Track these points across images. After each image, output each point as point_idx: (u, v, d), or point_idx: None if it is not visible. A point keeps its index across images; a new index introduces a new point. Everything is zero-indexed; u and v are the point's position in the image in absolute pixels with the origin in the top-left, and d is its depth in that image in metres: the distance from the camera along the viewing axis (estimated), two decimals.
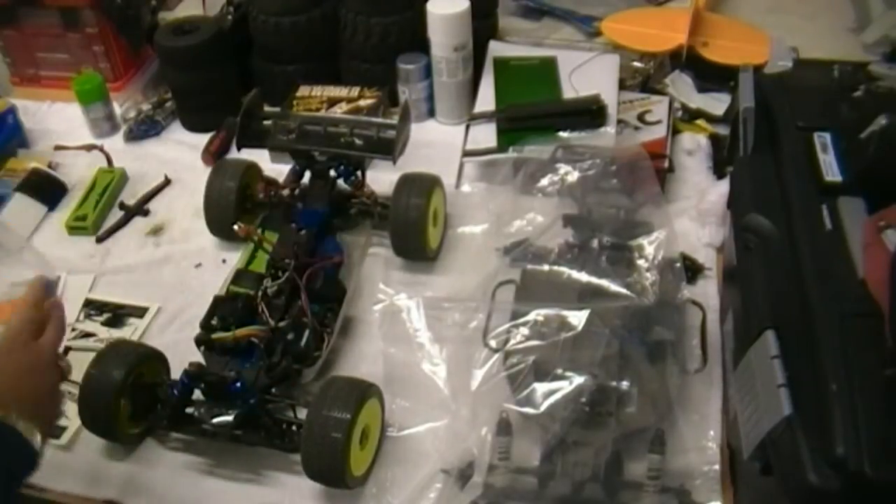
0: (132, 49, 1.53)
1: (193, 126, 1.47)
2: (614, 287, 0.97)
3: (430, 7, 1.31)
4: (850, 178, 0.89)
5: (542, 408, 0.88)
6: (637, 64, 1.44)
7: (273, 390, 0.96)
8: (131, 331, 1.13)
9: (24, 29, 1.49)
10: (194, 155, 1.40)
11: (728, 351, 0.98)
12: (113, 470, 0.97)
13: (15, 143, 1.42)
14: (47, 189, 1.35)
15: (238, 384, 0.92)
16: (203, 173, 1.24)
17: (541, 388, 0.89)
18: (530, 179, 1.18)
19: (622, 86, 1.38)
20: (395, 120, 1.16)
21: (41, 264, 1.20)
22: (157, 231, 1.29)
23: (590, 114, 1.27)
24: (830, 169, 0.90)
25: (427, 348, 1.05)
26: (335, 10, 1.40)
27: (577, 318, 0.93)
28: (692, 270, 1.11)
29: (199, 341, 0.99)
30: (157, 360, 0.99)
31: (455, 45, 1.32)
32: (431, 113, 1.44)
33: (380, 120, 1.20)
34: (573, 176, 1.15)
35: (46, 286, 0.82)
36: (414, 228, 1.13)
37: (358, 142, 1.16)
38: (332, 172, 1.17)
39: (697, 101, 1.38)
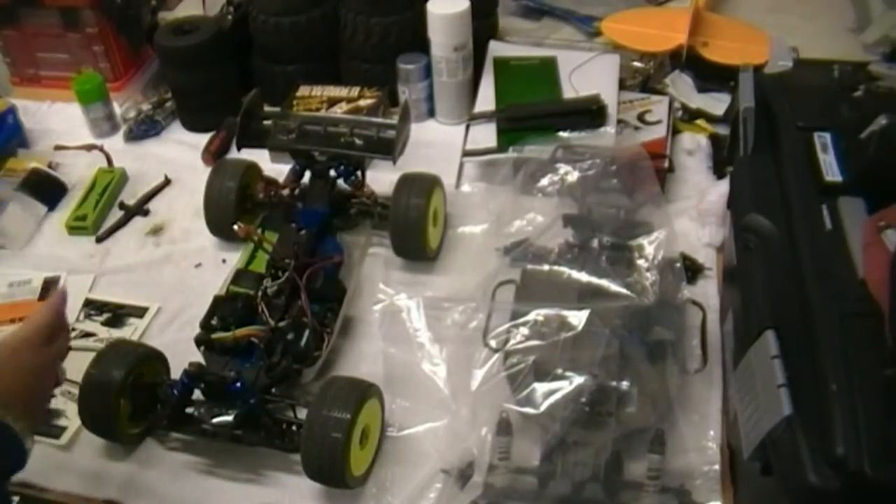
0: (132, 49, 1.53)
1: (193, 126, 1.47)
2: (614, 287, 0.97)
3: (430, 7, 1.31)
4: (850, 178, 0.89)
5: (542, 408, 0.88)
6: (637, 64, 1.44)
7: (273, 390, 0.96)
8: (131, 331, 1.13)
9: (24, 29, 1.49)
10: (194, 155, 1.40)
11: (728, 351, 0.98)
12: (113, 470, 0.97)
13: (15, 143, 1.42)
14: (47, 189, 1.35)
15: (238, 384, 0.92)
16: (203, 173, 1.24)
17: (541, 388, 0.89)
18: (530, 179, 1.18)
19: (622, 86, 1.38)
20: (395, 120, 1.16)
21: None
22: (157, 231, 1.29)
23: (590, 114, 1.27)
24: (830, 169, 0.90)
25: (427, 348, 1.05)
26: (335, 10, 1.40)
27: (577, 318, 0.93)
28: (692, 270, 1.11)
29: (199, 341, 0.99)
30: (157, 360, 0.99)
31: (455, 45, 1.32)
32: (431, 113, 1.44)
33: (380, 120, 1.20)
34: (573, 176, 1.15)
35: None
36: (414, 228, 1.13)
37: (358, 142, 1.16)
38: (332, 172, 1.17)
39: (697, 101, 1.38)
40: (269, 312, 0.99)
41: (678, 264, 1.04)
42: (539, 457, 0.90)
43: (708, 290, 1.10)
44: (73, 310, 1.15)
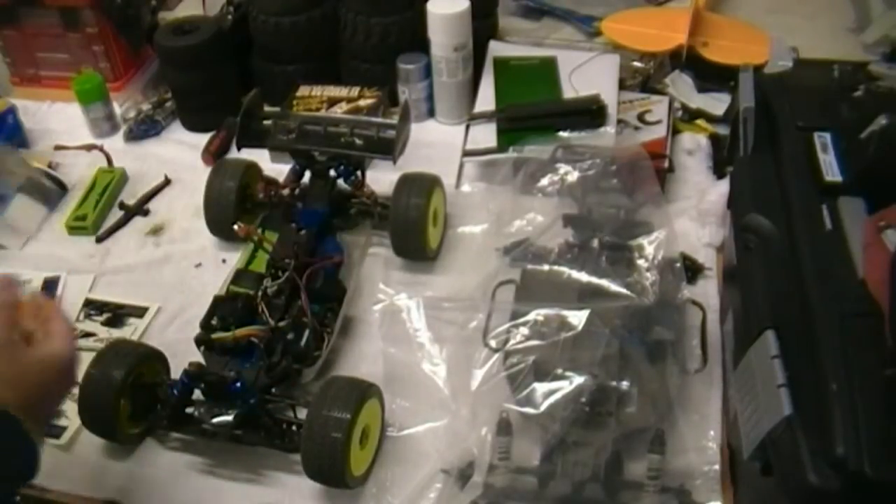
0: (132, 49, 1.53)
1: (193, 126, 1.47)
2: (614, 287, 0.97)
3: (430, 7, 1.31)
4: (850, 178, 0.89)
5: (542, 408, 0.88)
6: (637, 64, 1.44)
7: (273, 390, 0.96)
8: (131, 331, 1.13)
9: (24, 29, 1.49)
10: (194, 155, 1.40)
11: (728, 351, 0.98)
12: (113, 470, 0.97)
13: (15, 143, 1.42)
14: (47, 189, 1.35)
15: (238, 384, 0.92)
16: (203, 173, 1.24)
17: (541, 388, 0.89)
18: (530, 179, 1.18)
19: (622, 86, 1.38)
20: (395, 120, 1.16)
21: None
22: (157, 231, 1.29)
23: (590, 114, 1.27)
24: (830, 169, 0.90)
25: (427, 348, 1.05)
26: (335, 10, 1.40)
27: (577, 318, 0.92)
28: (692, 270, 1.11)
29: (199, 341, 0.99)
30: (157, 360, 0.99)
31: (455, 45, 1.32)
32: (431, 113, 1.44)
33: (380, 120, 1.20)
34: (573, 176, 1.15)
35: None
36: (414, 228, 1.13)
37: (358, 142, 1.16)
38: (332, 172, 1.17)
39: (697, 101, 1.38)
40: (269, 312, 0.99)
41: (678, 264, 1.04)
42: (539, 457, 0.90)
43: (708, 290, 1.10)
44: (73, 310, 1.15)
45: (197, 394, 0.95)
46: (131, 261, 1.24)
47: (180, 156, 1.42)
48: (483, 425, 0.90)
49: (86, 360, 0.95)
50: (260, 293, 1.01)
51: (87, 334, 1.12)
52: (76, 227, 1.29)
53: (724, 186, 1.12)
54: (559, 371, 0.89)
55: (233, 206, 1.19)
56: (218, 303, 1.02)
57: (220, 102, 1.43)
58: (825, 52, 1.19)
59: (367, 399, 0.91)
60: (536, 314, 0.95)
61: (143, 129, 1.46)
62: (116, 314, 1.15)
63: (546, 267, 1.02)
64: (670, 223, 1.08)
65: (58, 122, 1.51)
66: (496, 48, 1.44)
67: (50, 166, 1.38)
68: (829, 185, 0.89)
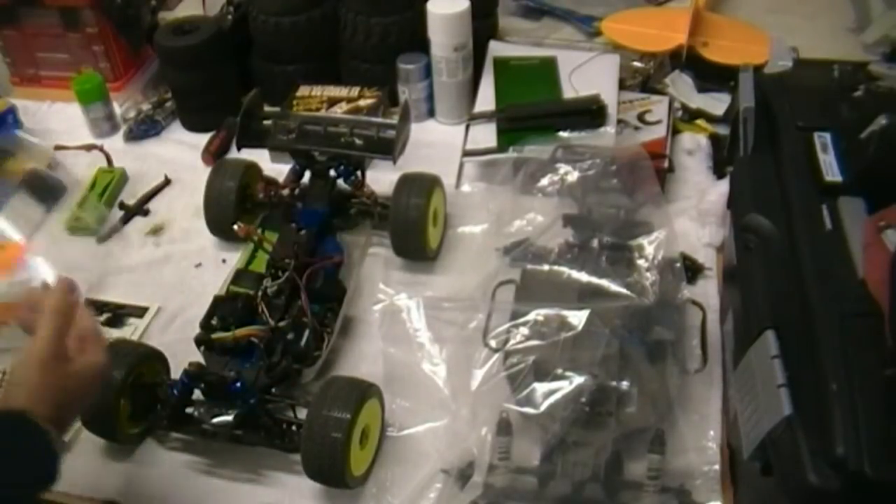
0: (132, 49, 1.53)
1: (193, 126, 1.47)
2: (614, 287, 0.97)
3: (430, 7, 1.31)
4: (850, 178, 0.89)
5: (542, 408, 0.88)
6: (637, 64, 1.44)
7: (273, 390, 0.96)
8: (131, 331, 1.13)
9: (24, 29, 1.49)
10: (194, 155, 1.40)
11: (728, 351, 0.98)
12: (113, 470, 0.97)
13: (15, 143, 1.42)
14: (47, 189, 1.35)
15: (238, 384, 0.92)
16: (203, 173, 1.24)
17: (541, 388, 0.89)
18: (530, 179, 1.18)
19: (622, 86, 1.38)
20: (395, 120, 1.16)
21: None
22: (157, 231, 1.29)
23: (590, 114, 1.27)
24: (830, 169, 0.90)
25: (427, 348, 1.05)
26: (335, 10, 1.40)
27: (577, 318, 0.93)
28: (692, 270, 1.11)
29: (199, 341, 0.99)
30: (157, 360, 0.99)
31: (455, 45, 1.32)
32: (431, 113, 1.44)
33: (380, 120, 1.20)
34: (573, 176, 1.15)
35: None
36: (414, 228, 1.13)
37: (358, 142, 1.16)
38: (332, 172, 1.17)
39: (697, 101, 1.38)
40: (269, 312, 0.99)
41: (678, 264, 1.04)
42: (539, 457, 0.90)
43: (708, 290, 1.10)
44: None
45: (197, 394, 0.95)
46: (131, 261, 1.24)
47: (180, 156, 1.42)
48: (483, 425, 0.90)
49: None
50: (260, 293, 1.01)
51: None
52: (76, 227, 1.29)
53: (724, 186, 1.12)
54: (559, 371, 0.89)
55: (233, 206, 1.19)
56: (218, 303, 1.02)
57: (220, 102, 1.43)
58: (825, 52, 1.19)
59: (367, 399, 0.91)
60: (536, 314, 0.95)
61: (143, 129, 1.46)
62: (116, 314, 1.15)
63: (546, 267, 1.03)
64: (670, 223, 1.08)
65: (58, 122, 1.51)
66: (496, 48, 1.44)
67: (49, 166, 1.38)
68: (829, 185, 0.89)
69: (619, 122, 1.30)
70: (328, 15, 1.40)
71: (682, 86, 1.40)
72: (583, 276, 0.99)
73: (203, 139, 1.42)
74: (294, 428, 0.93)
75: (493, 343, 0.96)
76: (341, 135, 1.17)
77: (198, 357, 0.98)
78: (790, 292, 0.81)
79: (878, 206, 0.84)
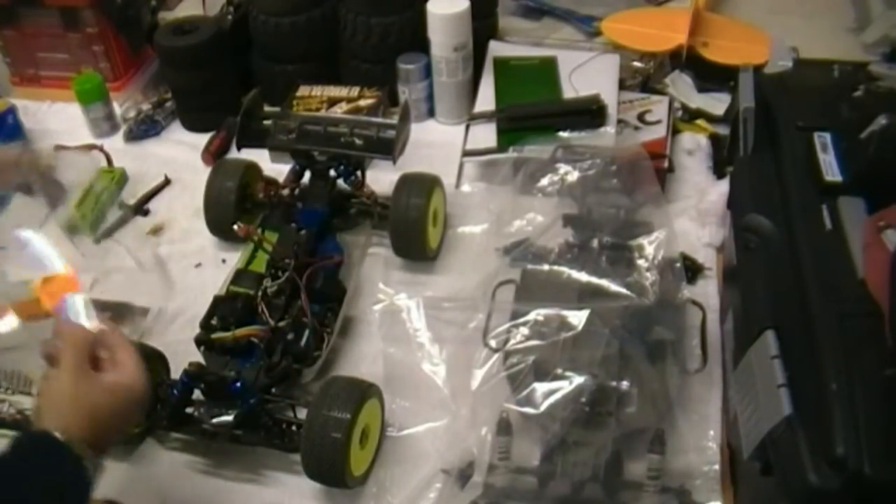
0: (132, 49, 1.53)
1: (193, 126, 1.47)
2: (614, 287, 0.97)
3: (430, 7, 1.31)
4: (850, 178, 0.89)
5: (542, 408, 0.88)
6: (637, 64, 1.44)
7: (273, 390, 0.96)
8: (131, 331, 1.12)
9: (24, 29, 1.49)
10: (194, 155, 1.40)
11: (728, 351, 0.98)
12: (113, 470, 0.97)
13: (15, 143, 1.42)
14: (47, 189, 1.34)
15: (238, 384, 0.92)
16: (203, 173, 1.24)
17: (541, 388, 0.89)
18: (530, 179, 1.18)
19: (622, 86, 1.38)
20: (395, 120, 1.16)
21: None
22: (157, 231, 1.29)
23: (590, 114, 1.27)
24: (830, 169, 0.90)
25: (427, 348, 1.05)
26: (335, 10, 1.40)
27: (577, 318, 0.93)
28: (692, 270, 1.11)
29: (199, 341, 0.99)
30: (157, 360, 0.99)
31: (455, 45, 1.32)
32: (431, 113, 1.44)
33: (380, 120, 1.20)
34: (573, 176, 1.15)
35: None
36: (414, 228, 1.13)
37: (358, 142, 1.16)
38: (332, 172, 1.17)
39: (697, 101, 1.38)
40: (269, 312, 0.99)
41: (678, 264, 1.04)
42: (539, 457, 0.90)
43: (708, 290, 1.10)
44: None
45: (197, 394, 0.95)
46: (131, 261, 1.24)
47: (180, 156, 1.42)
48: (483, 425, 0.90)
49: None
50: (260, 293, 1.01)
51: None
52: (76, 226, 1.29)
53: (724, 186, 1.12)
54: (559, 371, 0.89)
55: (233, 206, 1.19)
56: (218, 303, 1.02)
57: (220, 102, 1.43)
58: (825, 52, 1.19)
59: (367, 399, 0.91)
60: (536, 314, 0.95)
61: (143, 129, 1.46)
62: (116, 314, 1.15)
63: (546, 267, 1.03)
64: (670, 223, 1.08)
65: (58, 122, 1.51)
66: (496, 48, 1.44)
67: (49, 166, 1.38)
68: (829, 185, 0.89)
69: (619, 122, 1.30)
70: (328, 15, 1.40)
71: (682, 86, 1.40)
72: (583, 276, 0.99)
73: (203, 139, 1.42)
74: (294, 428, 0.93)
75: (493, 343, 0.96)
76: (341, 135, 1.17)
77: (198, 357, 0.98)
78: (790, 292, 0.81)
79: (878, 206, 0.84)
